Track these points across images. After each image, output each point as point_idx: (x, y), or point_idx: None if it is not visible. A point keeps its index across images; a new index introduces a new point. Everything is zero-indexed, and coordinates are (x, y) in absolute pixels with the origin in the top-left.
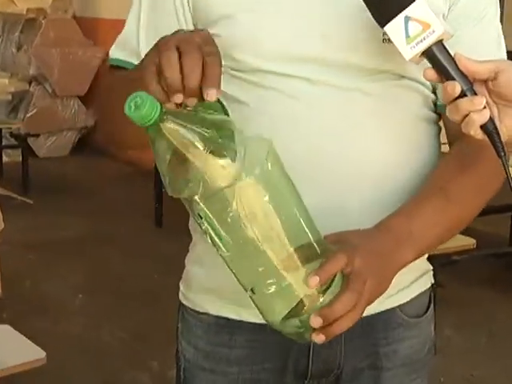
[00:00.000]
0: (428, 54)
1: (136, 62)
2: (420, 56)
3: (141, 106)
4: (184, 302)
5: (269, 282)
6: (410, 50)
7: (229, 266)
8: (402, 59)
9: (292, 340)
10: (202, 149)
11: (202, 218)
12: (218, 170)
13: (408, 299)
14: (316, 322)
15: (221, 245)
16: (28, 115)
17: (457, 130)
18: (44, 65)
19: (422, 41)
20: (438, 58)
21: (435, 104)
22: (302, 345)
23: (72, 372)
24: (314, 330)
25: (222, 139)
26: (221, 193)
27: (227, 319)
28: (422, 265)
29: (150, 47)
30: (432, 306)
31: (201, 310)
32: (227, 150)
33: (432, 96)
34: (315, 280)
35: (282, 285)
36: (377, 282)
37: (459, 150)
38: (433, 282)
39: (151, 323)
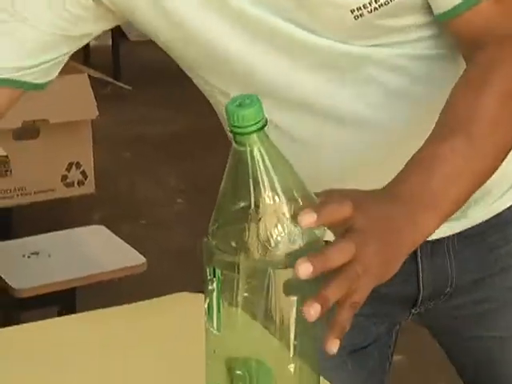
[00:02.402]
0: None
1: None
2: None
3: (249, 105)
4: None
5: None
6: None
7: (206, 348)
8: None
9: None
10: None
11: (214, 275)
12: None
13: None
14: (302, 269)
15: (215, 321)
16: None
17: (471, 37)
18: None
19: None
20: None
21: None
22: (407, 273)
23: (173, 283)
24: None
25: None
26: (260, 269)
27: None
28: None
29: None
30: None
31: None
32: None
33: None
34: (311, 217)
35: None
36: (381, 254)
37: (473, 71)
38: None
39: None
